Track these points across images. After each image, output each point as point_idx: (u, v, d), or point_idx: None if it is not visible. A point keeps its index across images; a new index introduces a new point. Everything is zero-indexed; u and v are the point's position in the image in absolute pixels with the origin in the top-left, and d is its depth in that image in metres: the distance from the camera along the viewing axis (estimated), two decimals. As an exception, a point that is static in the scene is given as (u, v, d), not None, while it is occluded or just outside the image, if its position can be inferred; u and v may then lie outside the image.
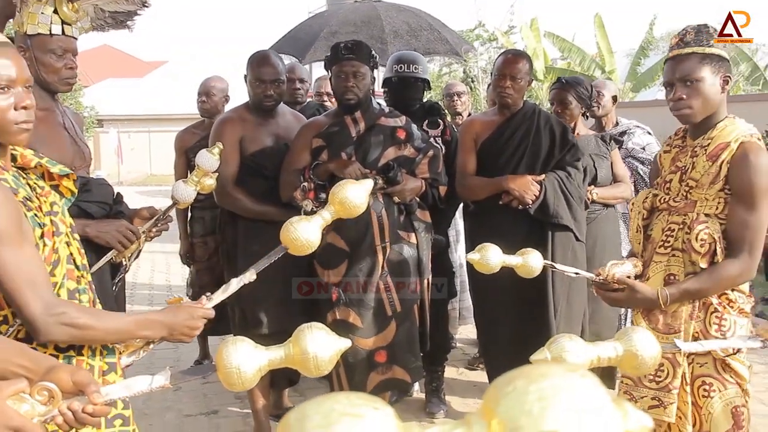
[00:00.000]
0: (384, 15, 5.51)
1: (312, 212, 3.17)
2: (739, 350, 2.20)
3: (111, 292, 2.53)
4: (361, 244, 3.21)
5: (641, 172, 4.29)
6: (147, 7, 2.77)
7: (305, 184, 3.16)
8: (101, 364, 1.78)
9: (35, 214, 1.66)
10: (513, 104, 3.57)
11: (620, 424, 0.65)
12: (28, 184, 1.71)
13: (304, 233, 1.99)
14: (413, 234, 3.32)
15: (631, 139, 4.34)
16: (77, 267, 1.78)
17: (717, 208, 2.19)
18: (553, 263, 2.48)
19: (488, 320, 3.66)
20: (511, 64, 3.52)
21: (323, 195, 3.16)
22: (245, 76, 3.50)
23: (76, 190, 1.87)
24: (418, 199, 3.36)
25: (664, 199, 2.31)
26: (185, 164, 4.55)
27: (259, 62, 3.45)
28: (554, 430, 0.62)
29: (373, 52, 3.38)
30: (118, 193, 2.73)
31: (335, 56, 3.31)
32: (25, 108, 1.64)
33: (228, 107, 4.61)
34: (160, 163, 21.92)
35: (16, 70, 1.63)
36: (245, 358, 1.44)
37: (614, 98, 4.39)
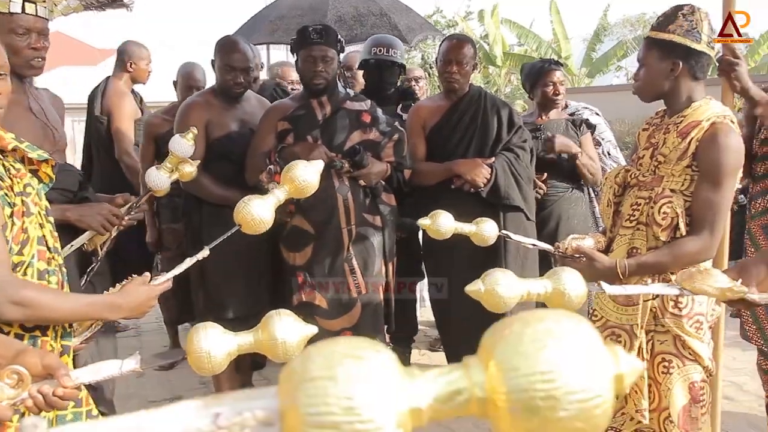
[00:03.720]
0: (333, 1, 5.49)
1: None
2: (699, 324, 2.25)
3: (76, 279, 2.51)
4: (327, 227, 3.23)
5: None
6: None
7: (271, 167, 3.16)
8: (57, 345, 1.78)
9: (5, 194, 1.67)
10: (459, 89, 3.62)
11: (612, 366, 0.67)
12: (3, 165, 1.72)
13: (257, 211, 2.03)
14: (378, 217, 3.35)
15: None
16: (49, 249, 1.78)
17: (683, 185, 2.23)
18: (508, 233, 2.51)
19: (442, 299, 3.70)
20: (456, 49, 3.56)
21: None
22: (212, 62, 3.48)
23: (53, 176, 1.88)
24: (383, 183, 3.39)
25: (635, 174, 2.36)
26: (153, 151, 4.31)
27: (228, 49, 3.41)
28: (548, 370, 0.64)
29: (340, 36, 3.38)
30: (85, 179, 2.69)
31: (303, 40, 3.29)
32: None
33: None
34: (116, 153, 21.47)
35: None
36: (215, 343, 1.48)
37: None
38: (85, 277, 2.53)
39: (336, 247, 3.25)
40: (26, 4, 2.41)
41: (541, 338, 0.65)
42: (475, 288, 1.79)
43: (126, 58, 4.68)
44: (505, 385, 0.65)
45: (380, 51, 4.00)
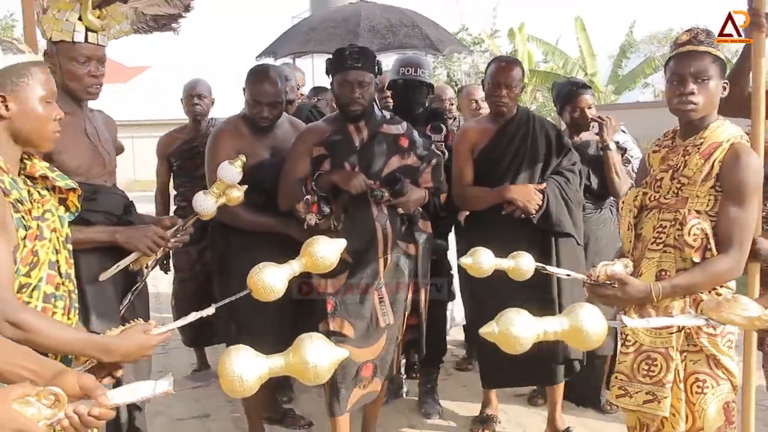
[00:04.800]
0: (365, 14, 5.54)
1: (315, 225, 3.06)
2: (730, 343, 2.27)
3: (113, 302, 2.55)
4: (365, 256, 3.13)
5: None
6: (190, 10, 2.77)
7: (308, 197, 3.05)
8: None
9: (22, 217, 1.71)
10: (508, 112, 3.56)
11: None
12: (28, 190, 1.77)
13: (269, 279, 2.00)
14: (413, 245, 3.26)
15: None
16: (60, 274, 1.82)
17: (707, 205, 2.27)
18: (544, 265, 2.47)
19: (480, 320, 3.61)
20: (505, 72, 3.50)
21: (326, 208, 3.07)
22: (244, 89, 3.36)
23: (80, 206, 1.93)
24: (420, 209, 3.32)
25: (654, 197, 2.37)
26: (168, 169, 4.56)
27: (257, 81, 3.29)
28: None
29: (378, 58, 3.29)
30: (131, 203, 2.74)
31: (340, 64, 3.18)
32: (57, 119, 1.81)
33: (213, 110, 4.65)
34: (145, 169, 21.74)
35: (54, 86, 1.80)
36: (247, 367, 1.50)
37: None
38: (129, 296, 2.58)
39: (371, 276, 3.15)
40: (89, 33, 2.50)
41: None
42: (489, 330, 1.76)
43: None
44: None
45: (408, 71, 3.98)
